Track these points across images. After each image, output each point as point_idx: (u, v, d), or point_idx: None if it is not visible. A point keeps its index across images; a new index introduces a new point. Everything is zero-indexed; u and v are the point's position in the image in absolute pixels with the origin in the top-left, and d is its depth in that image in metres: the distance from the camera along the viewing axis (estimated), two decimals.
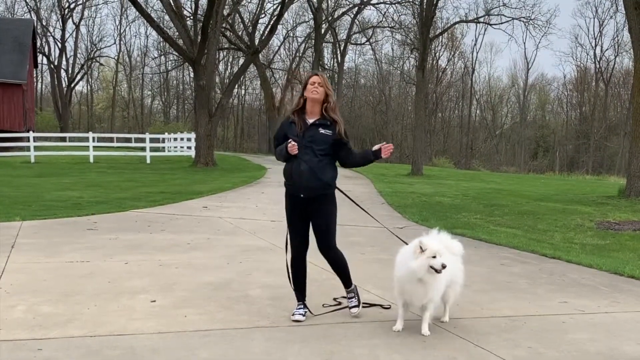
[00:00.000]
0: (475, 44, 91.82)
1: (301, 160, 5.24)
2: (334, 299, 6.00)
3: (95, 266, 7.23)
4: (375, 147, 5.35)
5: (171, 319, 5.21)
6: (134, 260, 7.63)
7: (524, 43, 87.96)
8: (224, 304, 5.77)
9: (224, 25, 38.85)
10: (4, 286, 6.07)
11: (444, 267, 4.79)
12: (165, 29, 36.93)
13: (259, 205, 14.07)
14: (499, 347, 4.82)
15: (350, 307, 5.61)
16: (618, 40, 61.99)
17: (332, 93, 5.39)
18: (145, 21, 38.25)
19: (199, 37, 27.76)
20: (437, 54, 65.19)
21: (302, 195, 5.32)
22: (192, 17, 35.35)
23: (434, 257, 4.80)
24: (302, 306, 5.50)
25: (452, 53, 67.48)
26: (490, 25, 40.01)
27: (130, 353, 4.37)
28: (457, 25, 56.73)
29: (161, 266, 7.39)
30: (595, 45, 65.18)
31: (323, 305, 5.81)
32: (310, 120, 5.35)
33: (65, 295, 5.81)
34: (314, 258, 7.84)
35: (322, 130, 5.31)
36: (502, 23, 38.80)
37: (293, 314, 5.43)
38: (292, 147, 5.19)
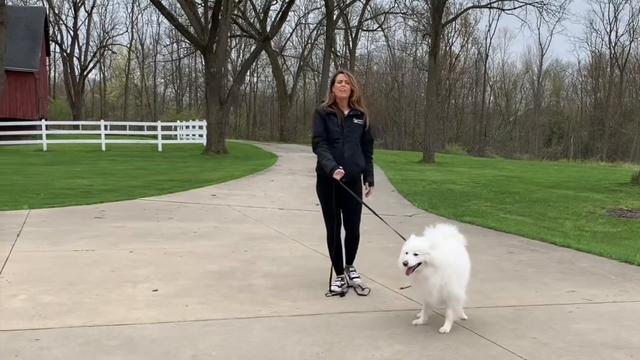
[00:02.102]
0: (488, 30, 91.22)
1: (344, 149, 5.87)
2: (339, 286, 5.95)
3: (100, 255, 7.21)
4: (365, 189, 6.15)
5: (172, 309, 5.17)
6: (139, 249, 7.61)
7: (538, 29, 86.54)
8: (226, 293, 5.73)
9: (235, 12, 38.72)
10: (7, 275, 6.06)
11: (404, 264, 4.78)
12: (176, 16, 36.86)
13: (268, 193, 14.03)
14: (502, 337, 4.75)
15: (352, 278, 6.03)
16: (633, 25, 61.41)
17: (357, 88, 5.96)
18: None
19: (210, 25, 27.68)
20: (450, 40, 64.81)
21: (344, 180, 5.78)
22: (203, 4, 35.23)
23: (407, 253, 4.81)
24: (340, 279, 6.01)
25: (466, 39, 66.97)
26: (503, 10, 39.51)
27: (129, 343, 4.34)
28: (470, 11, 56.20)
29: (166, 255, 7.36)
30: (610, 31, 64.43)
31: (326, 294, 5.76)
32: (346, 112, 5.95)
33: (67, 285, 5.79)
34: (319, 247, 7.82)
35: (355, 120, 5.95)
36: (514, 8, 38.32)
37: (332, 284, 5.92)
38: (339, 173, 5.68)
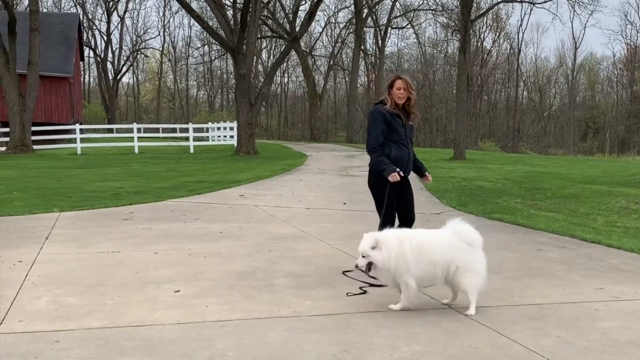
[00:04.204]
0: (520, 25, 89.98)
1: (409, 149, 6.33)
2: (360, 288, 5.91)
3: (125, 256, 7.27)
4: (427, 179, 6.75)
5: (192, 309, 5.18)
6: (163, 250, 7.66)
7: (571, 22, 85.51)
8: (246, 293, 5.73)
9: (264, 13, 38.86)
10: (32, 277, 6.14)
11: (356, 267, 5.32)
12: (206, 18, 37.12)
13: (296, 193, 14.03)
14: (525, 336, 4.65)
15: None
16: None
17: (414, 94, 6.28)
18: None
19: (239, 26, 27.80)
20: (482, 35, 64.09)
21: (405, 176, 6.32)
22: (231, 6, 35.44)
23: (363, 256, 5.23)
24: None
25: (497, 34, 66.17)
26: (534, 4, 38.97)
27: (147, 344, 4.35)
28: (502, 6, 55.67)
29: (190, 255, 7.39)
30: None
31: (347, 294, 5.72)
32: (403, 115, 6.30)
33: (91, 286, 5.85)
34: (344, 246, 7.79)
35: (410, 122, 6.39)
36: (545, 1, 37.77)
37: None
38: (395, 177, 6.06)
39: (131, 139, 31.90)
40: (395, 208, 6.39)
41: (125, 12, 67.84)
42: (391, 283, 5.30)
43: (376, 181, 6.32)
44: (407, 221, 6.47)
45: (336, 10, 62.32)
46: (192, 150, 31.26)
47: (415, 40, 66.43)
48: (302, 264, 7.00)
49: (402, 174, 6.17)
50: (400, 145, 6.24)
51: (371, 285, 5.98)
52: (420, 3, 53.79)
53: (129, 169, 20.71)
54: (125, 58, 69.00)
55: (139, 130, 32.21)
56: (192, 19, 41.64)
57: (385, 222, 6.14)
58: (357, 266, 5.27)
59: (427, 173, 6.71)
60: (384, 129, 6.18)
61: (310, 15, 32.11)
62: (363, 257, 5.18)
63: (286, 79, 72.89)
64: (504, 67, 68.19)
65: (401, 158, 6.23)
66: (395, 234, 5.33)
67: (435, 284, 5.56)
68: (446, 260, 5.18)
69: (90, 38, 64.29)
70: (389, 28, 58.32)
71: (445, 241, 5.27)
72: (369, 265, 5.21)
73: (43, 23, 32.09)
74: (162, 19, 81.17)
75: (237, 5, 34.45)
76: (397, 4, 55.44)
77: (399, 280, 5.19)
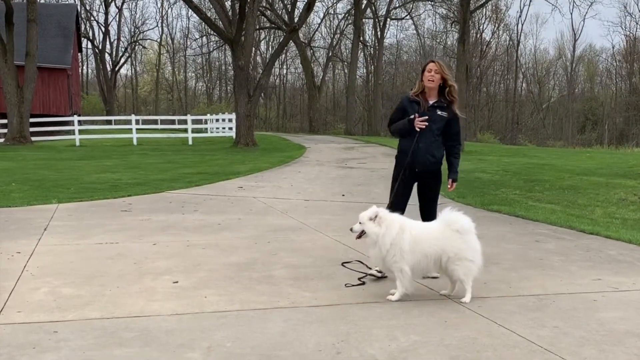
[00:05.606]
0: (520, 16, 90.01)
1: (420, 138, 5.93)
2: (358, 279, 5.91)
3: (124, 247, 7.27)
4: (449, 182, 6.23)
5: (190, 300, 5.19)
6: (162, 241, 7.66)
7: (571, 14, 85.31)
8: (245, 284, 5.74)
9: (263, 4, 38.71)
10: (31, 268, 6.14)
11: (350, 230, 5.44)
12: (204, 9, 37.00)
13: (294, 185, 14.02)
14: (523, 326, 4.67)
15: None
16: None
17: (450, 76, 5.96)
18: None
19: (237, 17, 27.69)
20: (481, 27, 63.90)
21: (416, 169, 6.04)
22: None
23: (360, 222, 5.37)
24: None
25: (497, 25, 65.98)
26: None
27: (145, 335, 4.36)
28: None
29: (189, 247, 7.39)
30: None
31: (345, 285, 5.73)
32: (430, 102, 6.01)
33: (89, 277, 5.85)
34: (342, 237, 7.80)
35: (439, 112, 6.00)
36: None
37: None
38: (418, 120, 5.85)
39: (129, 131, 31.80)
40: (404, 200, 6.11)
41: (123, 3, 67.45)
42: (377, 261, 5.42)
43: (395, 165, 6.27)
44: (428, 220, 6.02)
45: (335, 1, 61.96)
46: (190, 142, 31.19)
47: (415, 31, 66.34)
48: (301, 255, 7.01)
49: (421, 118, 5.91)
50: (410, 134, 5.99)
51: (370, 276, 5.99)
52: None
53: (128, 161, 20.66)
54: (123, 49, 68.78)
55: (137, 121, 32.07)
56: (190, 10, 41.53)
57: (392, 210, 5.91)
58: (351, 229, 5.38)
59: (450, 179, 6.25)
60: (397, 115, 6.16)
61: (309, 6, 31.94)
62: (360, 223, 5.34)
63: (285, 71, 72.70)
64: (503, 59, 67.99)
65: (407, 149, 6.01)
66: (400, 220, 5.39)
67: (439, 277, 5.72)
68: (437, 251, 5.24)
69: (88, 29, 63.99)
70: (388, 19, 58.06)
71: (436, 232, 5.34)
72: (362, 233, 5.34)
73: (40, 14, 31.89)
74: (160, 10, 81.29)
75: None
76: None
77: (392, 266, 5.26)
